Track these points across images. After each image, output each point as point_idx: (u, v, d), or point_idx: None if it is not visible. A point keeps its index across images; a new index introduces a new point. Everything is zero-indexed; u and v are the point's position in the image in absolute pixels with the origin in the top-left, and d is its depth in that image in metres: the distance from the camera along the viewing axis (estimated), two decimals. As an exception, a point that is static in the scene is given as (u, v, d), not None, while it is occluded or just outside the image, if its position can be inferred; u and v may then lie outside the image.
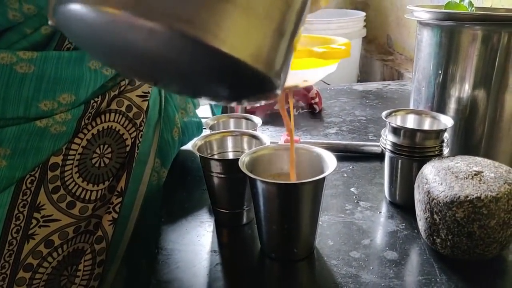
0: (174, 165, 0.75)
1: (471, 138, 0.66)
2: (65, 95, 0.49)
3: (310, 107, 1.00)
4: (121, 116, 0.54)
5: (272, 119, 0.94)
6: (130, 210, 0.57)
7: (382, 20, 1.86)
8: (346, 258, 0.50)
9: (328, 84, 1.48)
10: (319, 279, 0.48)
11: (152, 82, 0.41)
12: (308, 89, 1.00)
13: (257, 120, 0.68)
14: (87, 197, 0.52)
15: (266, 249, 0.51)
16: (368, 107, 1.04)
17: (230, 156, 0.59)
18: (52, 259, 0.50)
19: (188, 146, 0.69)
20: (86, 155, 0.51)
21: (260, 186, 0.47)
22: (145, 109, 0.56)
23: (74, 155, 0.50)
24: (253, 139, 0.58)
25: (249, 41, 0.25)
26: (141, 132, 0.56)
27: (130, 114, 0.55)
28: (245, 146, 0.58)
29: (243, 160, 0.49)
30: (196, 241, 0.54)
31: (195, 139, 0.57)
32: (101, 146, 0.52)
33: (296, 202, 0.47)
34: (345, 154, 0.76)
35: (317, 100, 1.00)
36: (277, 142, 0.75)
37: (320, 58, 0.38)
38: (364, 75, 1.81)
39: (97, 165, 0.52)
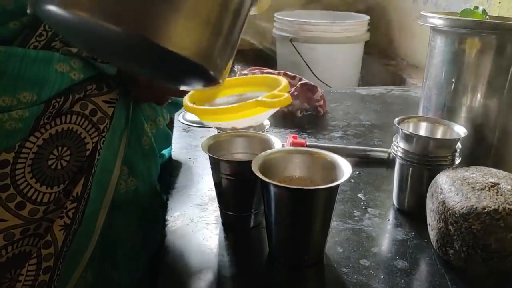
0: (178, 164, 0.74)
1: (480, 147, 0.66)
2: (26, 93, 0.47)
3: (314, 110, 0.99)
4: (83, 119, 0.52)
5: (276, 120, 0.93)
6: (95, 219, 0.55)
7: (385, 24, 1.85)
8: (356, 266, 0.49)
9: (330, 87, 1.48)
10: (329, 287, 0.47)
11: (119, 63, 0.49)
12: (313, 91, 0.99)
13: (265, 121, 0.67)
14: (38, 199, 0.48)
15: (275, 254, 0.50)
16: (372, 112, 1.03)
17: (239, 157, 0.58)
18: None
19: (198, 145, 0.68)
20: (41, 155, 0.49)
21: (273, 190, 0.46)
22: (110, 115, 0.54)
23: (28, 153, 0.48)
24: (264, 141, 0.57)
25: (194, 43, 0.34)
26: (103, 138, 0.54)
27: (94, 119, 0.53)
28: (256, 148, 0.57)
29: (256, 163, 0.48)
30: (202, 244, 0.53)
31: (205, 139, 0.55)
32: (59, 148, 0.50)
33: (309, 207, 0.46)
34: (351, 159, 0.76)
35: (321, 102, 0.99)
36: (284, 144, 0.74)
37: (267, 107, 0.47)
38: (365, 79, 1.81)
39: (53, 166, 0.49)
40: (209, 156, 0.53)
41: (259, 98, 0.45)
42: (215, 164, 0.53)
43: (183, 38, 0.33)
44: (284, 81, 0.52)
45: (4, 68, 0.45)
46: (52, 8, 0.33)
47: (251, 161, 0.48)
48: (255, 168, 0.47)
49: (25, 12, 0.47)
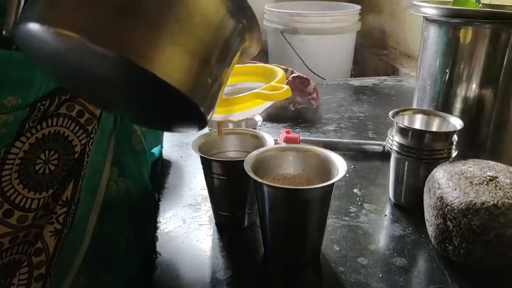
0: (169, 162, 0.73)
1: (476, 139, 0.65)
2: (11, 97, 0.44)
3: (307, 103, 0.98)
4: (70, 121, 0.50)
5: (269, 115, 0.92)
6: (86, 222, 0.53)
7: (377, 14, 1.84)
8: (353, 264, 0.48)
9: (324, 79, 1.46)
10: (326, 287, 0.46)
11: (100, 104, 0.46)
12: (305, 84, 0.97)
13: (257, 117, 0.65)
14: (27, 206, 0.47)
15: (270, 255, 0.49)
16: (366, 103, 1.02)
17: (231, 155, 0.57)
18: None
19: (190, 143, 0.66)
20: (28, 160, 0.47)
21: (266, 190, 0.44)
22: (98, 115, 0.52)
23: (14, 159, 0.46)
24: (256, 138, 0.56)
25: (190, 80, 0.32)
26: (92, 140, 0.52)
27: (82, 120, 0.51)
28: (248, 145, 0.56)
29: (249, 162, 0.46)
30: (196, 246, 0.52)
31: (196, 136, 0.54)
32: (47, 152, 0.48)
33: (305, 207, 0.44)
34: (346, 153, 0.74)
35: (314, 95, 0.98)
36: (276, 140, 0.73)
37: (266, 100, 0.45)
38: (358, 70, 1.79)
39: (40, 171, 0.48)
40: (200, 156, 0.51)
41: (257, 90, 0.43)
42: (207, 164, 0.52)
43: (181, 73, 0.32)
44: (280, 71, 0.50)
45: None
46: (34, 27, 0.30)
47: (243, 160, 0.47)
48: (247, 168, 0.45)
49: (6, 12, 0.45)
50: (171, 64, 0.31)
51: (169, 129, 0.46)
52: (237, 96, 0.44)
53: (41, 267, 0.48)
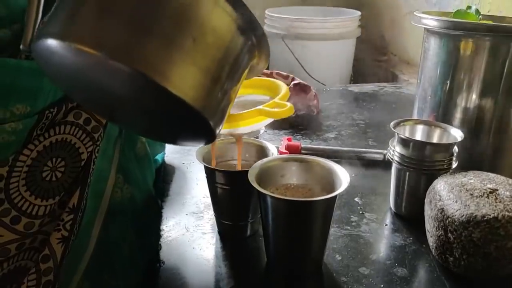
0: (172, 169, 0.73)
1: (476, 149, 0.66)
2: (20, 105, 0.45)
3: (308, 110, 0.99)
4: (77, 128, 0.51)
5: (270, 123, 0.92)
6: (91, 228, 0.54)
7: (376, 20, 1.85)
8: (355, 274, 0.49)
9: (324, 85, 1.47)
10: (329, 297, 0.47)
11: (107, 116, 0.48)
12: (306, 91, 0.98)
13: (260, 126, 0.66)
14: (34, 212, 0.47)
15: (273, 264, 0.50)
16: (366, 110, 1.03)
17: (235, 163, 0.57)
18: None
19: (192, 150, 0.67)
20: (35, 167, 0.47)
21: (270, 202, 0.45)
22: (104, 123, 0.53)
23: (22, 166, 0.46)
24: (259, 148, 0.56)
25: (202, 96, 0.34)
26: (98, 147, 0.53)
27: (88, 128, 0.51)
28: (251, 154, 0.56)
29: (253, 173, 0.47)
30: (199, 255, 0.52)
31: (199, 146, 0.54)
32: (54, 159, 0.49)
33: (307, 219, 0.45)
34: (346, 161, 0.75)
35: (315, 102, 0.98)
36: (278, 147, 0.74)
37: (269, 117, 0.46)
38: (357, 76, 1.80)
39: (47, 178, 0.48)
40: (204, 165, 0.52)
41: (261, 107, 0.44)
42: (210, 174, 0.52)
43: (195, 90, 0.33)
44: (284, 87, 0.51)
45: None
46: (52, 43, 0.31)
47: (247, 170, 0.48)
48: (251, 178, 0.46)
49: (16, 19, 0.46)
50: (187, 81, 0.33)
51: (176, 142, 0.47)
52: (241, 112, 0.45)
53: (49, 273, 0.49)
